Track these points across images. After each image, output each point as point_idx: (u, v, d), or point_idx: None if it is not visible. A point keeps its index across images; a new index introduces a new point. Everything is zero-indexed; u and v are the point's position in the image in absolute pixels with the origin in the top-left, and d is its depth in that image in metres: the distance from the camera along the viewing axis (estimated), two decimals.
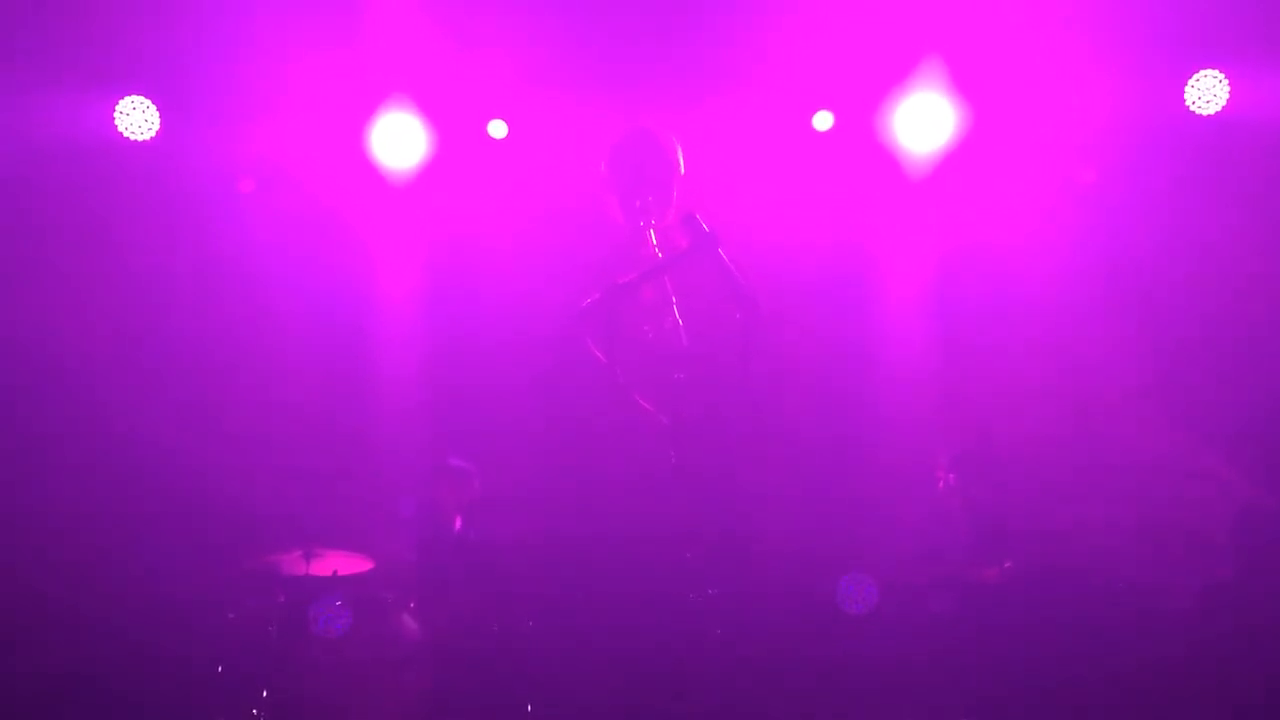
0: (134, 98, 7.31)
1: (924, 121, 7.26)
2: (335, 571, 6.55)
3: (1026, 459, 7.18)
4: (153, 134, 7.35)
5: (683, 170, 5.59)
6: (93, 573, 7.09)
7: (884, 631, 6.22)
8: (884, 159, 7.39)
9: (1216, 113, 7.05)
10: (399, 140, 7.48)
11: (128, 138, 7.33)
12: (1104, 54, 6.99)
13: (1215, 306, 7.24)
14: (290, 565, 6.55)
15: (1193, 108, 7.08)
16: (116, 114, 7.30)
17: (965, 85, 7.18)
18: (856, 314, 7.61)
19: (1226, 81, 7.02)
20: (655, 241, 4.97)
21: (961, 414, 7.43)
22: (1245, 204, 7.15)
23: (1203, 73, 7.05)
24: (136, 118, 7.31)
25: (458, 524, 7.18)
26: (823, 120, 7.39)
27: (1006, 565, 6.37)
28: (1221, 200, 7.14)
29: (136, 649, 6.59)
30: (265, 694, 6.28)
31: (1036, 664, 6.15)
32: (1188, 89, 7.07)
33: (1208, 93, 7.05)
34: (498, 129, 7.51)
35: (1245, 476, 6.95)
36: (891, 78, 7.23)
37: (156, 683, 6.38)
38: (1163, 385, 7.28)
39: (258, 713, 6.25)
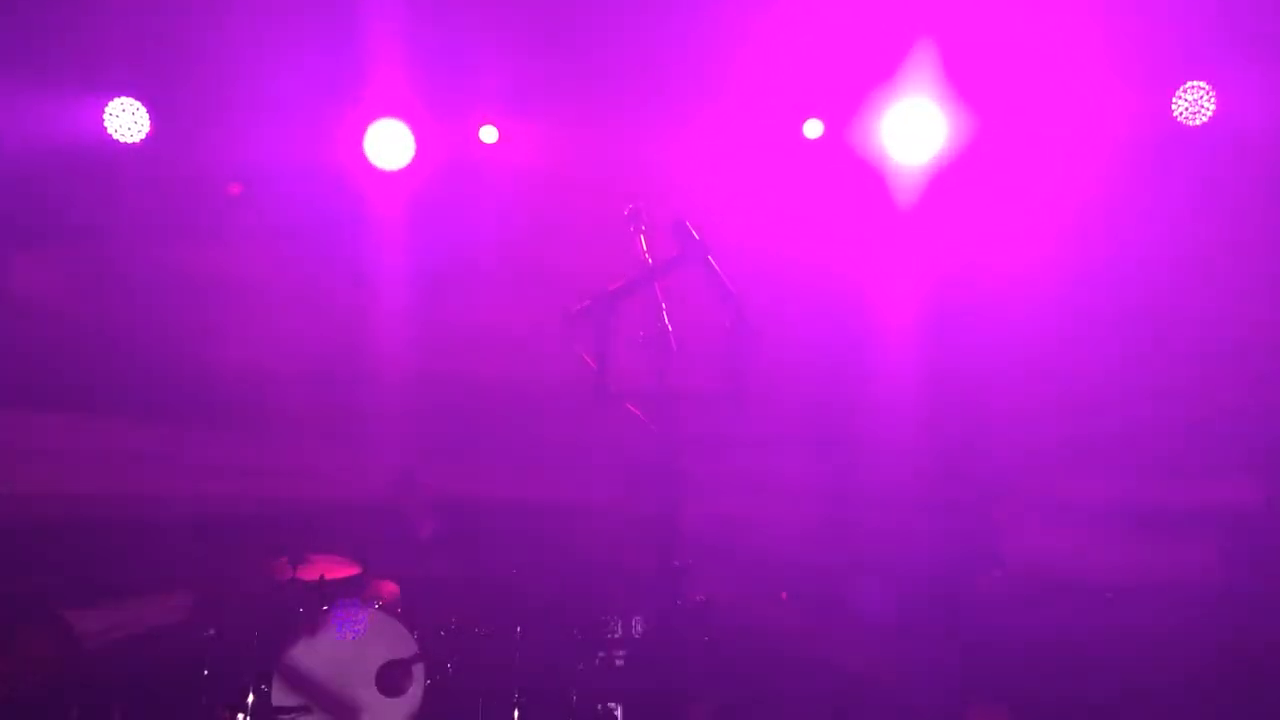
0: (124, 100, 7.31)
1: (914, 131, 7.30)
2: (322, 577, 6.54)
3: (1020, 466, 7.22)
4: (142, 136, 7.35)
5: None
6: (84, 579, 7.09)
7: (880, 640, 6.25)
8: (874, 167, 7.42)
9: (1204, 124, 7.10)
10: (389, 144, 7.48)
11: (117, 140, 7.32)
12: (1092, 66, 7.02)
13: (1207, 315, 7.27)
14: (277, 572, 6.53)
15: (1180, 119, 7.12)
16: (106, 116, 7.29)
17: (955, 97, 7.21)
18: (848, 319, 7.64)
19: (1213, 93, 7.06)
20: (645, 248, 4.96)
21: (954, 417, 7.47)
22: (1233, 214, 7.18)
23: (1190, 84, 7.10)
24: (126, 120, 7.31)
25: (426, 528, 7.22)
26: (813, 128, 7.42)
27: (997, 574, 6.40)
28: (1209, 210, 7.18)
29: (128, 655, 6.57)
30: (251, 700, 6.27)
31: (1030, 672, 6.18)
32: (1175, 101, 7.11)
33: (1195, 104, 7.09)
34: (489, 134, 7.52)
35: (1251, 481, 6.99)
36: (882, 87, 7.25)
37: (148, 691, 6.36)
38: (1158, 393, 7.31)
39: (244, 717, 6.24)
